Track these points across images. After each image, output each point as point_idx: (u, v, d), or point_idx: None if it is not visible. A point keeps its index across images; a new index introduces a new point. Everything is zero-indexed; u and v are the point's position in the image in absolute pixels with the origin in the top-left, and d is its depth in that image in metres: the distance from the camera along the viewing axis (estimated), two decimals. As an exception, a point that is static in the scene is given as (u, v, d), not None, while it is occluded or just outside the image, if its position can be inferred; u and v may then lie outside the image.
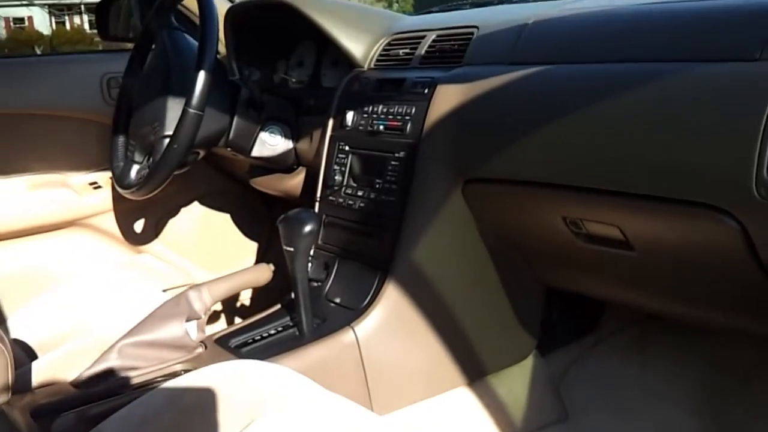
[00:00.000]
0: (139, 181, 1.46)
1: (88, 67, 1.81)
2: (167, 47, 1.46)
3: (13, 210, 1.68)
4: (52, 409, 1.01)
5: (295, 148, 1.55)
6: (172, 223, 1.90)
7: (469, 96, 1.17)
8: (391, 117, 1.28)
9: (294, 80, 1.69)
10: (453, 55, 1.29)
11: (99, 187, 1.79)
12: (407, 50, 1.38)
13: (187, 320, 1.21)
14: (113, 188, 1.79)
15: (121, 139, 1.57)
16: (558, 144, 1.05)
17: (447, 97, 1.20)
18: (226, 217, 1.98)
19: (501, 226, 1.24)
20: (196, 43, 1.48)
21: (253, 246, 2.02)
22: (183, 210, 1.91)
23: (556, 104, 1.06)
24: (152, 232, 1.87)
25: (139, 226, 1.85)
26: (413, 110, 1.24)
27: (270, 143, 1.53)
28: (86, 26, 25.05)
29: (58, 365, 1.22)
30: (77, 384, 1.11)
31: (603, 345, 1.52)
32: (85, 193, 1.77)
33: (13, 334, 1.35)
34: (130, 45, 2.01)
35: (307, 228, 1.20)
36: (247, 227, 2.01)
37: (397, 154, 1.25)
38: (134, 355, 1.15)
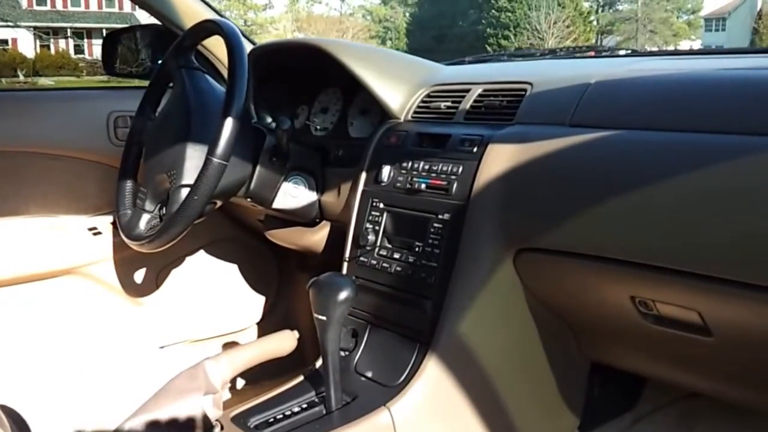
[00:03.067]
0: (149, 232, 1.33)
1: (93, 104, 1.69)
2: (187, 89, 1.35)
3: (4, 254, 1.54)
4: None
5: (319, 201, 1.44)
6: (175, 274, 1.77)
7: (525, 158, 1.08)
8: (434, 175, 1.18)
9: (317, 127, 1.59)
10: (503, 112, 1.20)
11: (99, 233, 1.65)
12: (449, 104, 1.29)
13: (204, 395, 1.08)
14: (114, 235, 1.67)
15: (128, 185, 1.45)
16: (629, 217, 0.95)
17: (499, 158, 1.11)
18: (233, 267, 1.86)
19: (554, 299, 1.14)
20: (218, 86, 1.39)
21: (259, 300, 1.89)
22: (187, 259, 1.78)
23: (626, 172, 0.97)
24: (153, 282, 1.74)
25: (139, 276, 1.72)
26: (460, 169, 1.15)
27: (293, 194, 1.42)
28: (71, 51, 24.95)
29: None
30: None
31: (645, 423, 1.41)
32: (83, 239, 1.64)
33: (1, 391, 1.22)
34: (136, 82, 1.92)
35: (343, 295, 1.09)
36: (254, 280, 1.88)
37: (440, 216, 1.15)
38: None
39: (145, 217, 1.36)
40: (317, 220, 1.48)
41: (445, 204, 1.15)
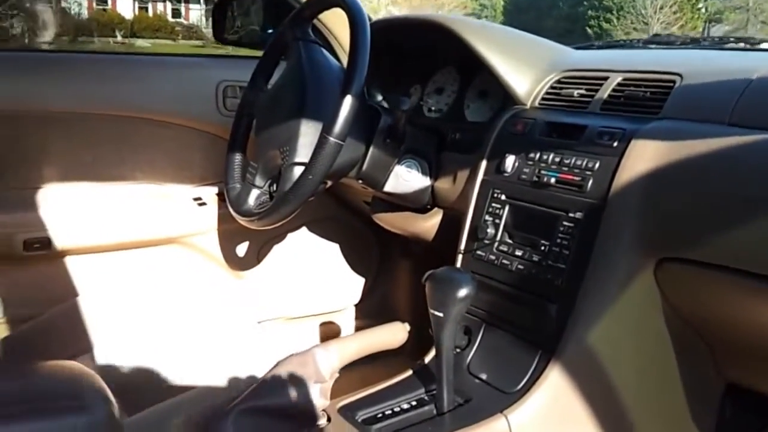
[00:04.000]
0: (259, 209, 1.30)
1: (203, 72, 1.67)
2: (303, 62, 1.29)
3: (107, 221, 1.55)
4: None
5: (432, 187, 1.37)
6: (276, 249, 1.75)
7: (674, 157, 0.98)
8: (566, 169, 1.09)
9: (431, 108, 1.52)
10: (647, 104, 1.09)
11: (203, 203, 1.64)
12: (583, 92, 1.19)
13: (313, 383, 1.05)
14: (219, 207, 1.65)
15: (238, 158, 1.42)
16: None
17: (643, 155, 1.01)
18: (334, 247, 1.82)
19: (696, 314, 1.04)
20: (335, 61, 1.34)
21: (358, 282, 1.85)
22: (289, 236, 1.75)
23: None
24: (254, 257, 1.72)
25: (241, 249, 1.71)
26: (596, 165, 1.05)
27: (406, 178, 1.36)
28: (169, 15, 25.59)
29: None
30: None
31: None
32: (188, 209, 1.63)
33: (103, 354, 1.22)
34: (246, 51, 1.89)
35: (462, 293, 1.02)
36: (354, 261, 1.84)
37: (572, 214, 1.06)
38: (251, 424, 0.99)
39: (254, 193, 1.33)
40: (428, 207, 1.41)
41: (577, 202, 1.06)
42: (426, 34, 1.44)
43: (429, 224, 1.41)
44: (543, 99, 1.25)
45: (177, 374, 1.26)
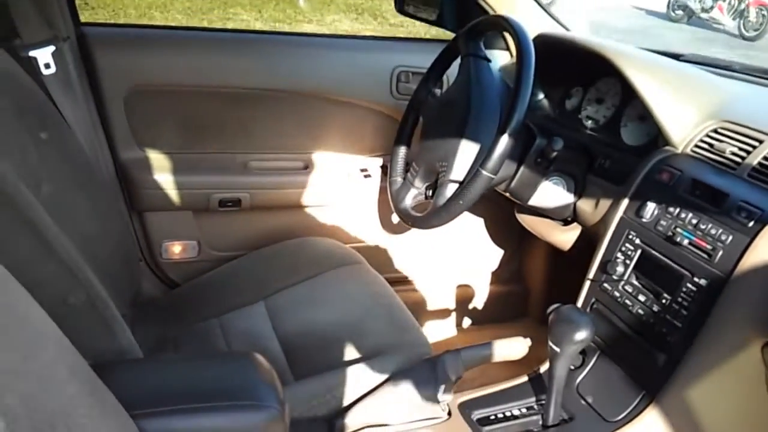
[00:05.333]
0: (414, 210, 1.48)
1: (379, 56, 1.81)
2: (471, 81, 1.40)
3: (287, 184, 1.79)
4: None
5: (575, 204, 1.47)
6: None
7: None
8: (700, 233, 1.16)
9: (588, 116, 1.58)
10: (794, 183, 1.12)
11: (369, 175, 1.84)
12: (735, 150, 1.22)
13: (440, 383, 1.25)
14: (381, 179, 1.84)
15: (402, 151, 1.58)
16: None
17: (775, 244, 1.06)
18: (480, 220, 1.98)
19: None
20: (499, 81, 1.43)
21: (498, 252, 2.01)
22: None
23: None
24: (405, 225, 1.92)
25: (396, 217, 1.90)
26: (729, 239, 1.11)
27: (551, 194, 1.47)
28: None
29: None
30: (333, 427, 1.21)
31: None
32: (356, 178, 1.84)
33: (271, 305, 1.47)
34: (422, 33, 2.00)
35: (580, 336, 1.16)
36: (496, 233, 1.99)
37: (697, 279, 1.14)
38: (384, 413, 1.21)
39: (412, 192, 1.50)
40: (569, 220, 1.52)
41: (704, 269, 1.13)
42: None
43: (567, 236, 1.52)
44: (696, 146, 1.28)
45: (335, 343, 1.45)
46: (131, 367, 0.99)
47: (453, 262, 2.00)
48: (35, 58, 1.43)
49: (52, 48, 1.46)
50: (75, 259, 0.96)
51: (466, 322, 2.05)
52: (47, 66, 1.45)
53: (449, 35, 1.84)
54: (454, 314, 2.03)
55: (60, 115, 1.41)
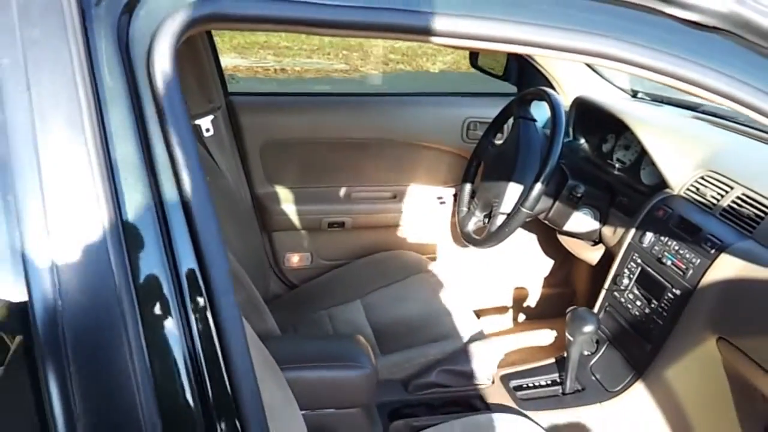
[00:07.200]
0: (474, 234, 1.96)
1: (454, 110, 2.30)
2: (520, 137, 1.88)
3: (375, 209, 2.31)
4: (391, 410, 1.61)
5: (600, 230, 1.91)
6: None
7: (746, 276, 1.42)
8: (679, 257, 1.58)
9: (618, 158, 2.00)
10: (746, 222, 1.51)
11: (443, 202, 2.34)
12: (714, 194, 1.62)
13: (486, 359, 1.72)
14: (453, 204, 2.33)
15: (468, 188, 2.07)
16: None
17: (726, 268, 1.46)
18: (532, 236, 2.42)
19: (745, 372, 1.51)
20: (542, 137, 1.88)
21: (548, 261, 2.45)
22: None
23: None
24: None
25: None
26: (698, 262, 1.53)
27: (582, 222, 1.91)
28: None
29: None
30: (407, 386, 1.70)
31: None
32: (433, 204, 2.34)
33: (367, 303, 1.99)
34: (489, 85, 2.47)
35: (587, 329, 1.61)
36: (547, 245, 2.42)
37: (674, 289, 1.57)
38: (446, 378, 1.70)
39: (473, 219, 1.99)
40: (596, 242, 1.96)
41: (680, 282, 1.56)
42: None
43: (594, 254, 1.97)
44: (687, 189, 1.69)
45: (410, 331, 1.96)
46: (276, 340, 1.52)
47: (511, 269, 2.45)
48: (199, 125, 1.99)
49: (211, 117, 2.02)
50: (237, 267, 1.50)
51: (521, 317, 2.50)
52: (207, 130, 2.01)
53: (511, 89, 2.33)
54: (511, 311, 2.48)
55: (215, 163, 1.99)
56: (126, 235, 0.63)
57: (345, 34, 0.70)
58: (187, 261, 0.66)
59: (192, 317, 0.66)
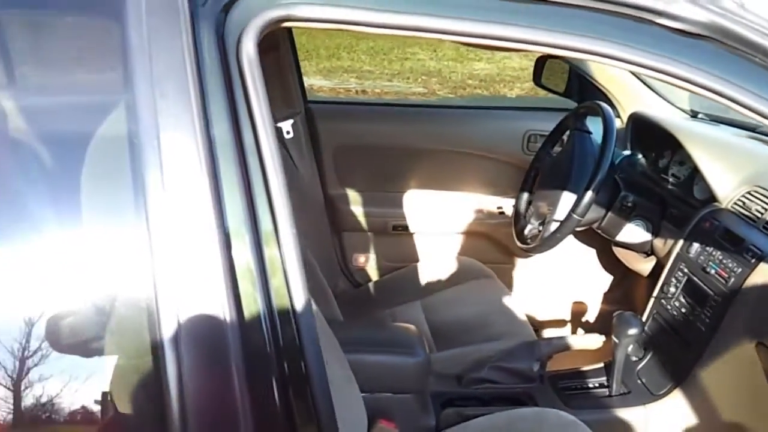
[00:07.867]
0: (529, 241, 2.07)
1: (515, 123, 2.43)
2: (574, 149, 1.98)
3: (444, 216, 2.45)
4: (444, 399, 1.74)
5: (652, 242, 1.99)
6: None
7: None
8: (722, 266, 1.65)
9: (673, 174, 2.07)
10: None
11: (503, 212, 2.46)
12: (759, 208, 1.68)
13: (536, 359, 1.83)
14: (512, 214, 2.45)
15: (525, 197, 2.18)
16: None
17: (765, 275, 1.53)
18: (593, 251, 2.50)
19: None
20: (596, 149, 1.98)
21: (607, 277, 2.52)
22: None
23: None
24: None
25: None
26: (739, 270, 1.60)
27: (634, 233, 2.00)
28: None
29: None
30: (461, 380, 1.83)
31: None
32: (493, 213, 2.46)
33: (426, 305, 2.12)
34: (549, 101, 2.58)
35: (631, 332, 1.70)
36: (607, 261, 2.49)
37: (716, 297, 1.64)
38: (497, 375, 1.82)
39: (528, 227, 2.10)
40: (648, 253, 2.04)
41: (721, 290, 1.63)
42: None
43: (645, 265, 2.05)
44: (734, 203, 1.75)
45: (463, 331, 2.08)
46: (341, 325, 1.69)
47: (570, 283, 2.53)
48: (281, 128, 2.20)
49: (291, 121, 2.22)
50: (309, 256, 1.67)
51: (579, 332, 2.57)
52: (288, 133, 2.22)
53: (571, 104, 2.43)
54: (569, 325, 2.56)
55: (293, 163, 2.18)
56: (224, 214, 0.78)
57: (393, 33, 0.84)
58: (270, 245, 0.80)
59: (273, 297, 0.80)
